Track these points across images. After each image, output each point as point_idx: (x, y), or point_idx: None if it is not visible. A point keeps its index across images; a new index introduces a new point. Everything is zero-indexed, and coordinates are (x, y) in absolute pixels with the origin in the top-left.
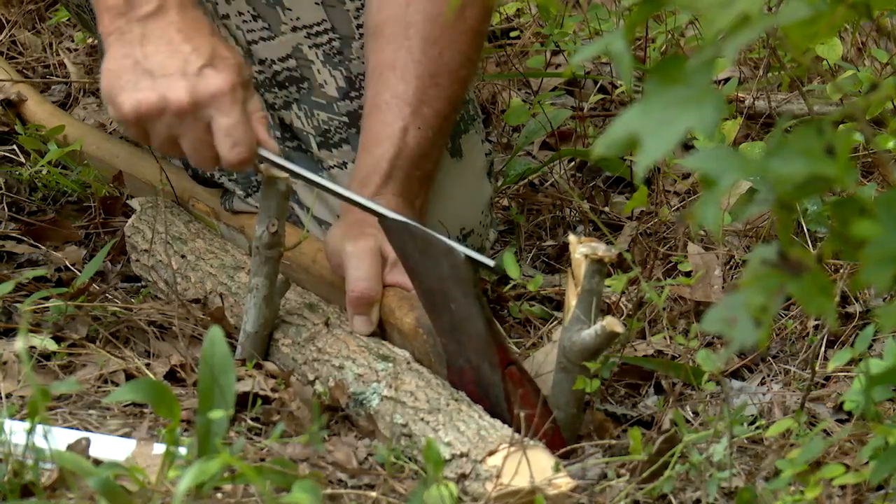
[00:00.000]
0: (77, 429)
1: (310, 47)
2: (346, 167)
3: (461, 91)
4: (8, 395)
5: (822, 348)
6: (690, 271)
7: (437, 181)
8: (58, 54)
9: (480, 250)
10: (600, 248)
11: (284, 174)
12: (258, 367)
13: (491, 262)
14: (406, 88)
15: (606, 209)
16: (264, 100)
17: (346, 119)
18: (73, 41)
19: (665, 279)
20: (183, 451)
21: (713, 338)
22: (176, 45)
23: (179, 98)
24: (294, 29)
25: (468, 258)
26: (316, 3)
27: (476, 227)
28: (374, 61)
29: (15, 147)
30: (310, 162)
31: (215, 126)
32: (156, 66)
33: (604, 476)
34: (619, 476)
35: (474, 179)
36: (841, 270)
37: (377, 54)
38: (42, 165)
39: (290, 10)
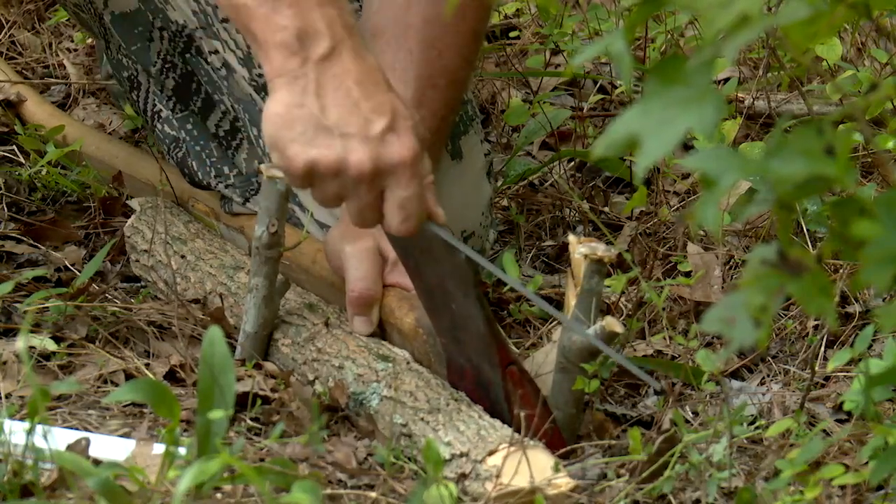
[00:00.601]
0: (77, 429)
1: None
2: None
3: (460, 92)
4: (8, 395)
5: (822, 348)
6: (690, 271)
7: (437, 183)
8: (57, 55)
9: (481, 251)
10: (600, 248)
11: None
12: (258, 367)
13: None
14: (405, 90)
15: (606, 209)
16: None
17: None
18: (72, 41)
19: (665, 279)
20: (183, 451)
21: (713, 338)
22: (356, 101)
23: (361, 164)
24: None
25: (469, 258)
26: None
27: (476, 229)
28: None
29: (14, 147)
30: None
31: (390, 195)
32: (334, 122)
33: (603, 476)
34: (618, 476)
35: (474, 180)
36: (841, 270)
37: (376, 56)
38: (42, 166)
39: None
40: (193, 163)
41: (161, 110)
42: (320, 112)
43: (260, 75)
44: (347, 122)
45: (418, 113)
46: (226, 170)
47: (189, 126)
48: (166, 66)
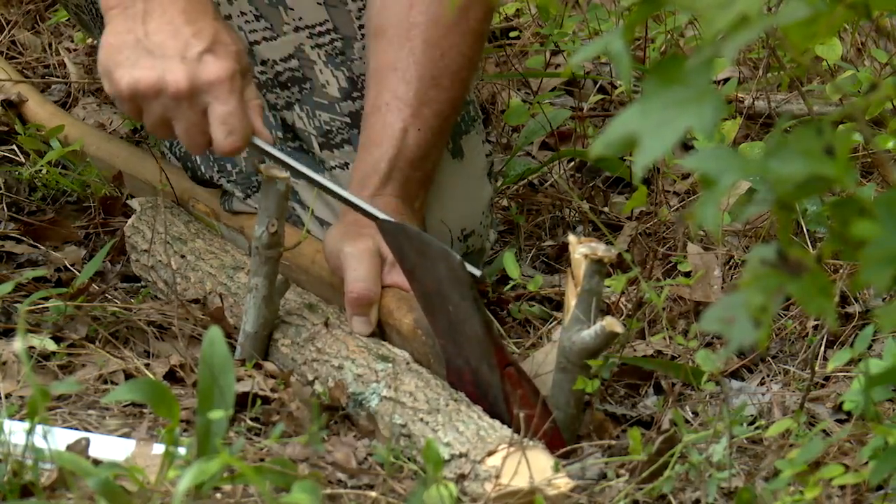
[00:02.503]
0: (76, 429)
1: (312, 47)
2: (347, 168)
3: (462, 92)
4: (8, 395)
5: (822, 348)
6: (690, 271)
7: (438, 182)
8: (58, 54)
9: (481, 251)
10: (600, 249)
11: (285, 174)
12: (258, 367)
13: (477, 272)
14: (407, 90)
15: (606, 209)
16: (266, 100)
17: (348, 119)
18: (72, 41)
19: (664, 279)
20: (182, 451)
21: (713, 338)
22: (178, 26)
23: (178, 82)
24: (296, 29)
25: (465, 260)
26: (318, 4)
27: (477, 228)
28: (376, 62)
29: (15, 147)
30: (311, 163)
31: (211, 113)
32: (156, 45)
33: (603, 476)
34: (618, 476)
35: (475, 180)
36: (841, 270)
37: (379, 55)
38: (41, 166)
39: (292, 9)
40: (197, 157)
41: None
42: (144, 37)
43: (262, 72)
44: (168, 45)
45: (420, 113)
46: (228, 166)
47: None
48: None
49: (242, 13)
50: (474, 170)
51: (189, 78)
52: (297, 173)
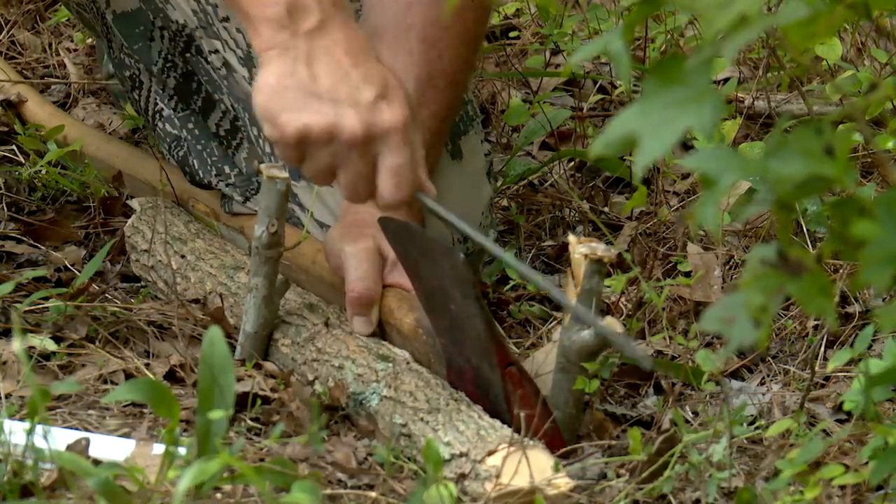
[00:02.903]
0: (76, 429)
1: None
2: None
3: (459, 93)
4: (8, 395)
5: (822, 348)
6: (690, 271)
7: (437, 182)
8: (58, 54)
9: (481, 252)
10: (600, 248)
11: (285, 174)
12: (258, 367)
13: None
14: None
15: (606, 209)
16: None
17: None
18: (72, 41)
19: (664, 279)
20: (182, 451)
21: (713, 338)
22: (346, 69)
23: (353, 128)
24: None
25: (467, 258)
26: None
27: (476, 228)
28: None
29: (14, 147)
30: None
31: (382, 163)
32: (325, 89)
33: (603, 476)
34: (618, 476)
35: (474, 180)
36: (841, 270)
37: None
38: (41, 166)
39: None
40: (195, 161)
41: (163, 109)
42: (311, 80)
43: None
44: (338, 90)
45: (418, 113)
46: (226, 169)
47: (190, 125)
48: (167, 65)
49: None
50: (473, 170)
51: (364, 125)
52: (469, 237)
